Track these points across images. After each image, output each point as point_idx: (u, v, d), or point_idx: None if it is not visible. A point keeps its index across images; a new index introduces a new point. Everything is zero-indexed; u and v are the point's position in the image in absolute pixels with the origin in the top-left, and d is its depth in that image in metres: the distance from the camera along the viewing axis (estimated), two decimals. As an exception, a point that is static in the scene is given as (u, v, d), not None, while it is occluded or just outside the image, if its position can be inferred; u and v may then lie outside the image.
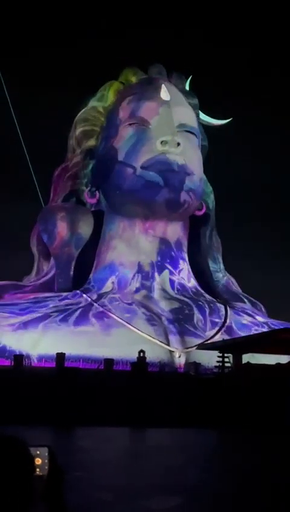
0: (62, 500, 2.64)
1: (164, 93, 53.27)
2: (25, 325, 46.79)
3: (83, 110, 56.94)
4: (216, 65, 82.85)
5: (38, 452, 2.66)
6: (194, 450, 24.92)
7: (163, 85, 53.96)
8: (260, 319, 54.27)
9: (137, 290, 52.36)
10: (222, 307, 53.59)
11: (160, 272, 53.57)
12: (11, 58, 74.72)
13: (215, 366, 41.23)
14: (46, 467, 2.67)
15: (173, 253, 54.49)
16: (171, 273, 54.11)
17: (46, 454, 2.68)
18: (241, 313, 53.71)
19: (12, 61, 73.52)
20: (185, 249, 55.88)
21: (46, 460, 2.67)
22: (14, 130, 62.25)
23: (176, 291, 53.53)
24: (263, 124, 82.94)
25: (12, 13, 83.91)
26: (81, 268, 53.74)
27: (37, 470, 2.64)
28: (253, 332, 49.39)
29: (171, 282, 53.84)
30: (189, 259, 56.04)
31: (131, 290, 52.30)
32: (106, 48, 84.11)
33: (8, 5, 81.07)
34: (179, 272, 54.67)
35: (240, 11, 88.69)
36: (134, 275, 53.15)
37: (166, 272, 53.89)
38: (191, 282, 55.33)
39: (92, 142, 55.75)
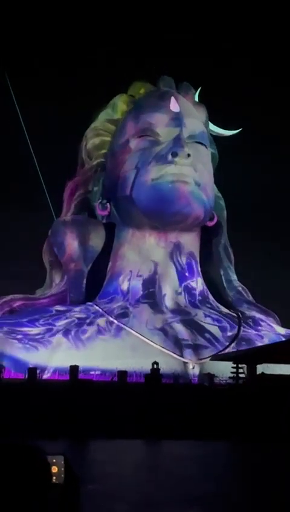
0: (78, 508, 2.70)
1: (174, 105, 53.51)
2: (38, 338, 46.90)
3: (93, 123, 57.34)
4: (225, 75, 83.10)
5: (54, 460, 2.73)
6: (209, 461, 24.79)
7: (172, 97, 54.22)
8: (274, 328, 54.02)
9: (149, 301, 52.32)
10: (235, 317, 53.41)
11: (172, 283, 53.51)
12: (21, 72, 75.46)
13: (230, 377, 41.05)
14: (62, 475, 2.73)
15: (185, 263, 54.44)
16: (183, 284, 54.02)
17: (62, 462, 2.74)
18: (254, 323, 53.48)
19: (23, 77, 74.25)
20: (197, 259, 55.83)
21: (62, 469, 2.74)
22: (25, 144, 62.83)
23: (188, 302, 53.43)
24: (273, 134, 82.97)
25: (22, 29, 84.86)
26: (95, 280, 53.88)
27: (54, 478, 2.71)
28: (267, 342, 49.15)
29: (184, 292, 53.75)
30: (201, 270, 55.98)
31: (143, 302, 52.26)
32: (115, 61, 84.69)
33: (17, 22, 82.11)
34: (192, 282, 54.59)
35: (247, 19, 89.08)
36: (146, 286, 53.14)
37: (178, 282, 53.83)
38: (204, 293, 55.21)
39: (102, 155, 56.08)
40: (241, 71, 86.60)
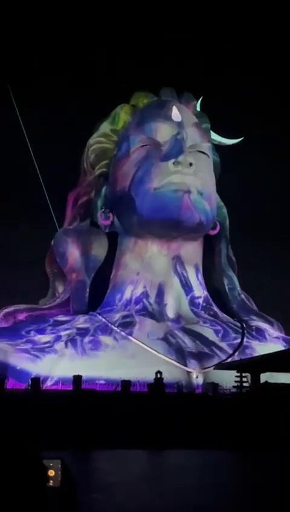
0: (75, 511, 2.70)
1: (175, 115, 53.71)
2: (41, 347, 46.87)
3: (95, 133, 57.57)
4: (226, 84, 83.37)
5: (51, 464, 2.73)
6: (213, 471, 24.68)
7: (174, 106, 54.45)
8: (277, 337, 53.86)
9: (152, 310, 52.27)
10: (238, 326, 53.30)
11: (175, 292, 53.47)
12: (23, 83, 75.83)
13: (234, 386, 40.92)
14: (59, 479, 2.73)
15: (187, 272, 54.41)
16: (186, 292, 53.99)
17: (59, 466, 2.75)
18: (258, 332, 53.35)
19: (24, 87, 74.60)
20: (200, 268, 55.82)
21: (59, 472, 2.74)
22: (27, 155, 63.06)
23: (191, 311, 53.36)
24: (275, 143, 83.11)
25: (24, 39, 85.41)
26: (99, 289, 53.88)
27: (51, 481, 2.71)
28: (271, 351, 48.98)
29: (187, 301, 53.70)
30: (204, 278, 55.94)
31: (147, 311, 52.21)
32: (116, 71, 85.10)
33: (20, 32, 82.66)
34: (194, 291, 54.55)
35: (249, 28, 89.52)
36: (149, 295, 53.10)
37: (181, 291, 53.79)
38: (207, 302, 55.15)
39: (104, 165, 56.27)
40: (243, 80, 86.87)
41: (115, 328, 49.60)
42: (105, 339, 48.44)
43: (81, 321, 50.47)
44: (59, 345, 47.08)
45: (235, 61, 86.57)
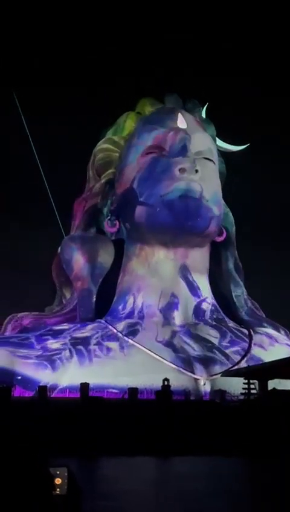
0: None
1: (181, 122, 53.80)
2: (47, 355, 46.85)
3: (101, 141, 57.74)
4: (232, 91, 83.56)
5: (58, 472, 2.75)
6: (221, 478, 24.57)
7: (179, 114, 54.54)
8: (285, 344, 53.63)
9: (158, 317, 52.17)
10: (245, 333, 53.11)
11: (182, 299, 53.34)
12: (30, 89, 76.23)
13: (241, 393, 40.77)
14: (66, 487, 2.75)
15: (194, 279, 54.29)
16: (193, 299, 53.84)
17: (66, 474, 2.76)
18: (265, 338, 53.15)
19: (32, 95, 75.00)
20: (206, 274, 55.70)
21: (66, 480, 2.75)
22: (34, 163, 63.34)
23: (198, 318, 53.22)
24: (281, 149, 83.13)
25: (29, 49, 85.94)
26: (106, 296, 53.83)
27: (57, 489, 2.73)
28: (278, 357, 48.76)
29: (194, 308, 53.53)
30: (211, 285, 55.81)
31: (153, 317, 52.12)
32: (122, 78, 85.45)
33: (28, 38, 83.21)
34: (201, 298, 54.40)
35: (256, 35, 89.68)
36: (156, 302, 53.00)
37: (188, 297, 53.65)
38: (214, 308, 54.98)
39: (110, 172, 56.39)
40: (248, 87, 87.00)
41: (122, 336, 49.53)
42: (112, 346, 48.36)
43: (88, 329, 50.42)
44: (66, 353, 47.02)
45: (243, 68, 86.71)
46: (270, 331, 55.26)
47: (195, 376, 46.74)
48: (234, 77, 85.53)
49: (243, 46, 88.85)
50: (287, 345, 53.81)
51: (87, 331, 50.08)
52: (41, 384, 42.52)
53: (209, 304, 54.78)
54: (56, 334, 49.59)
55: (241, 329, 53.90)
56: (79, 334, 49.42)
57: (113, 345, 48.56)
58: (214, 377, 46.66)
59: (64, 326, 51.33)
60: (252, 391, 40.11)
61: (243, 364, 48.09)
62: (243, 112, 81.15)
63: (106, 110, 66.71)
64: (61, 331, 50.09)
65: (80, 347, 47.73)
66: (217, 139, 58.21)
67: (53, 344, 48.25)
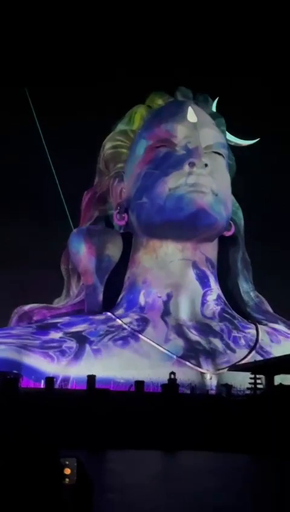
0: (91, 509, 2.70)
1: (191, 116, 53.55)
2: (55, 347, 46.98)
3: (111, 133, 57.59)
4: (243, 86, 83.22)
5: (67, 462, 2.73)
6: (226, 473, 24.58)
7: (189, 107, 54.29)
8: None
9: (167, 311, 52.17)
10: (253, 328, 53.05)
11: (189, 291, 53.28)
12: (41, 88, 76.21)
13: (248, 388, 40.73)
14: (75, 477, 2.73)
15: (202, 273, 54.19)
16: (201, 293, 53.77)
17: (75, 464, 2.75)
18: (273, 333, 53.08)
19: (42, 92, 75.01)
20: (215, 269, 55.60)
21: (75, 470, 2.74)
22: (43, 155, 63.37)
23: (206, 312, 53.17)
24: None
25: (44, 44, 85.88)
26: (114, 289, 53.84)
27: (67, 479, 2.71)
28: (286, 352, 48.67)
29: (202, 303, 53.47)
30: (219, 280, 55.71)
31: (161, 311, 52.12)
32: (132, 72, 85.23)
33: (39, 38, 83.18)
34: (209, 292, 54.32)
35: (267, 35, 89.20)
36: (164, 296, 52.98)
37: (195, 291, 53.57)
38: (222, 303, 54.91)
39: (120, 165, 56.27)
40: (258, 81, 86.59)
41: (129, 329, 49.58)
42: (119, 339, 48.42)
43: (95, 321, 50.52)
44: (72, 345, 47.13)
45: (254, 63, 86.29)
46: (278, 326, 55.19)
47: (201, 370, 46.77)
48: (243, 77, 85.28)
49: (253, 45, 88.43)
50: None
51: (94, 323, 50.18)
52: (48, 376, 42.64)
53: (217, 297, 54.69)
54: (63, 326, 49.71)
55: (248, 324, 53.83)
56: (86, 327, 49.52)
57: (120, 338, 48.60)
58: (221, 371, 46.66)
59: (72, 318, 51.44)
60: (259, 386, 40.04)
61: (250, 358, 48.06)
62: (251, 110, 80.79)
63: (116, 102, 66.59)
64: (69, 323, 50.21)
65: (87, 339, 47.82)
66: (227, 133, 57.96)
67: (60, 336, 48.36)
